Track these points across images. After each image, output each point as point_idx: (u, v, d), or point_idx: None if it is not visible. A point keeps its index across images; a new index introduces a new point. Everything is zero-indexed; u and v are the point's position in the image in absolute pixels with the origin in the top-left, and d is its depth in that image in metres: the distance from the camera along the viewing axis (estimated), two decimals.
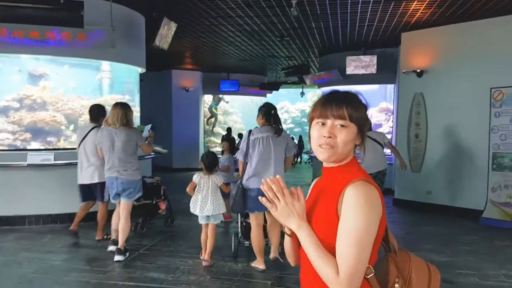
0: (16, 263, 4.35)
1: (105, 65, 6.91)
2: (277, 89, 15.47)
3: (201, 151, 14.07)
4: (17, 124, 6.20)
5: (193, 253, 4.82)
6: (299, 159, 17.85)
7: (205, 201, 4.31)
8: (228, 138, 13.35)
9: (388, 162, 9.22)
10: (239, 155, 4.30)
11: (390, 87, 10.12)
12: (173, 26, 6.54)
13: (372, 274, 1.23)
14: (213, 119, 15.32)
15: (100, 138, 4.56)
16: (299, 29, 7.82)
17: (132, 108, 7.31)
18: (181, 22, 7.11)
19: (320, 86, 11.25)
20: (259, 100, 16.53)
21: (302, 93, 16.49)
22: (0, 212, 5.76)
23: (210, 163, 4.41)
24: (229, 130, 13.90)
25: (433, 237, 5.82)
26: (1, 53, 5.87)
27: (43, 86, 6.47)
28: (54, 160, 5.82)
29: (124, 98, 7.19)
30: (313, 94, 20.06)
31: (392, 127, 9.83)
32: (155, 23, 6.29)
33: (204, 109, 14.85)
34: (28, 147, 6.16)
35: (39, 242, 5.10)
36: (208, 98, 15.24)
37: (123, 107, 4.57)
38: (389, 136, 9.93)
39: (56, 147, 6.29)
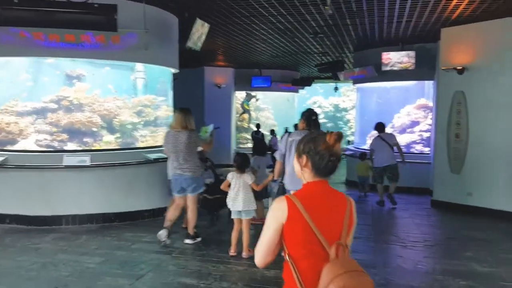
0: (52, 265, 4.44)
1: (139, 65, 6.97)
2: (309, 85, 15.25)
3: (233, 147, 14.11)
4: (55, 125, 6.34)
5: (224, 258, 4.79)
6: None
7: (236, 197, 4.74)
8: (256, 134, 13.36)
9: (427, 161, 9.04)
10: (277, 156, 4.60)
11: (428, 83, 9.73)
12: (206, 26, 6.49)
13: (287, 261, 1.69)
14: (246, 115, 15.26)
15: (166, 139, 5.07)
16: (333, 26, 7.61)
17: (165, 107, 7.48)
18: (214, 21, 7.06)
19: (355, 82, 10.98)
20: (291, 96, 16.38)
21: (336, 88, 16.18)
22: (39, 212, 5.91)
23: (241, 164, 4.84)
24: (258, 126, 13.84)
25: (474, 243, 5.56)
26: (38, 56, 6.01)
27: (79, 87, 6.58)
28: (91, 162, 5.91)
29: (158, 98, 7.27)
30: (348, 88, 19.67)
31: (431, 125, 9.47)
32: (188, 23, 6.26)
33: (235, 105, 14.84)
34: (65, 148, 6.29)
35: (74, 243, 5.20)
36: (240, 95, 15.21)
37: (183, 113, 5.07)
38: (427, 135, 9.61)
39: (92, 148, 6.40)
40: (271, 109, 16.66)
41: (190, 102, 12.84)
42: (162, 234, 5.03)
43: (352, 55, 11.09)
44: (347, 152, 10.96)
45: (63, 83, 6.54)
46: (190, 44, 6.27)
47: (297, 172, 1.84)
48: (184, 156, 4.96)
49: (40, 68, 6.43)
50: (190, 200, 5.11)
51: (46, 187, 5.94)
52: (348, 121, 20.71)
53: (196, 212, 5.20)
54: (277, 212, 1.68)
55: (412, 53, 8.80)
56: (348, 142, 17.46)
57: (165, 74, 7.41)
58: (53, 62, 6.41)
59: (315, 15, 6.76)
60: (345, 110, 21.01)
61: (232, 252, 4.87)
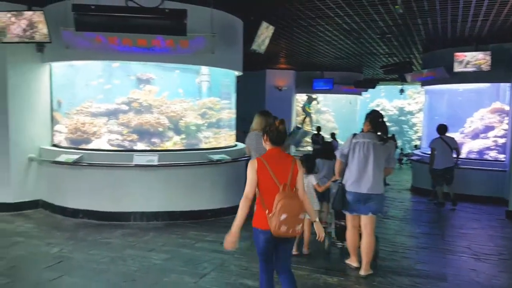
0: (121, 260, 4.65)
1: (204, 69, 7.13)
2: (373, 87, 14.76)
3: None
4: (125, 126, 6.65)
5: None
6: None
7: None
8: (316, 138, 13.14)
9: (502, 169, 8.41)
10: (337, 154, 4.56)
11: (504, 86, 9.05)
12: (271, 29, 6.50)
13: (258, 194, 3.04)
14: (307, 119, 15.13)
15: (249, 140, 5.44)
16: (402, 26, 7.32)
17: (229, 110, 7.60)
18: (278, 24, 7.06)
19: (423, 84, 10.48)
20: (354, 99, 16.00)
21: (402, 91, 15.53)
22: (109, 208, 6.23)
23: (307, 165, 4.99)
24: (318, 129, 13.62)
25: None
26: (112, 60, 6.34)
27: (149, 90, 6.85)
28: (158, 161, 6.13)
29: (222, 100, 7.40)
30: (414, 91, 18.86)
31: (506, 130, 8.80)
32: (253, 27, 6.30)
33: (296, 108, 14.76)
34: (135, 148, 6.58)
35: (142, 240, 5.41)
36: (300, 97, 15.10)
37: (264, 115, 5.43)
38: (502, 141, 8.93)
39: (159, 148, 6.63)
40: (332, 112, 16.38)
41: (251, 104, 12.96)
42: None
43: (420, 55, 10.61)
44: (413, 158, 10.48)
45: (134, 86, 6.83)
46: (254, 46, 6.31)
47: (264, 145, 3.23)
48: None
49: (112, 71, 6.77)
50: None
51: (116, 184, 6.24)
52: (414, 124, 19.87)
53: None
54: (253, 165, 3.01)
55: (487, 53, 8.23)
56: (415, 147, 16.72)
57: (229, 76, 7.52)
58: (125, 66, 6.72)
59: (383, 15, 6.54)
60: (411, 113, 20.18)
61: (294, 251, 4.85)
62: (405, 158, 15.31)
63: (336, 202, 4.54)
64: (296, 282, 3.23)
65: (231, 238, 3.08)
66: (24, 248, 4.93)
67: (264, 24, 6.22)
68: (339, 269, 4.59)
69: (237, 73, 7.48)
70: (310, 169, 5.05)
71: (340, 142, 11.34)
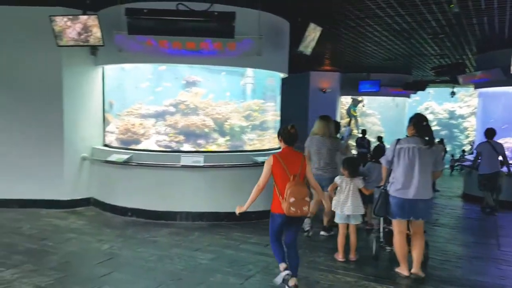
0: (168, 258, 4.73)
1: (249, 71, 7.12)
2: (423, 89, 14.25)
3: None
4: (173, 127, 6.78)
5: (332, 266, 4.65)
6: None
7: (345, 201, 4.83)
8: (362, 141, 12.84)
9: None
10: (383, 161, 4.51)
11: None
12: (318, 30, 6.42)
13: (274, 188, 3.81)
14: (353, 122, 14.83)
15: (309, 143, 5.72)
16: (456, 26, 7.00)
17: (273, 112, 7.57)
18: (325, 25, 6.95)
19: (477, 86, 9.98)
20: (401, 101, 15.52)
21: (453, 93, 14.90)
22: (157, 207, 6.37)
23: (352, 168, 4.92)
24: (364, 132, 13.32)
25: None
26: (162, 63, 6.49)
27: (196, 92, 6.96)
28: (204, 162, 6.21)
29: (266, 103, 7.39)
30: (466, 93, 18.05)
31: None
32: (300, 28, 6.25)
33: (340, 111, 14.51)
34: (181, 149, 6.69)
35: (188, 239, 5.49)
36: (344, 99, 14.84)
37: (326, 120, 5.72)
38: None
39: (204, 149, 6.71)
40: (378, 115, 15.98)
41: (295, 106, 12.94)
42: (306, 222, 5.59)
43: (474, 56, 10.12)
44: (465, 163, 10.01)
45: (181, 88, 6.96)
46: (301, 48, 6.26)
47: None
48: (325, 160, 5.60)
49: (161, 74, 6.92)
50: (326, 196, 5.31)
51: (163, 184, 6.38)
52: (465, 129, 19.01)
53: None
54: (269, 161, 3.79)
55: None
56: (463, 152, 15.99)
57: (274, 78, 7.49)
58: (173, 69, 6.86)
59: (436, 14, 6.29)
60: (462, 117, 19.33)
61: (340, 257, 4.85)
62: (457, 164, 14.63)
63: (378, 208, 4.52)
64: (299, 258, 4.06)
65: (240, 209, 4.02)
66: (76, 244, 5.13)
67: (312, 25, 6.15)
68: (388, 277, 4.44)
69: (282, 75, 7.44)
70: (352, 172, 4.92)
71: (387, 146, 11.02)
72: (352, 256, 4.90)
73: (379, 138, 13.03)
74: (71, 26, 5.99)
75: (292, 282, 3.79)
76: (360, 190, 4.94)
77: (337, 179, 4.95)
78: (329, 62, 12.22)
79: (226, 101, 7.07)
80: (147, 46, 5.87)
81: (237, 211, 4.00)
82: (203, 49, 5.93)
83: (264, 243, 5.34)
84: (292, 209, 3.62)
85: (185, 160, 6.20)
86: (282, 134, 3.91)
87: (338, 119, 14.12)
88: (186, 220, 6.33)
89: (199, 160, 6.21)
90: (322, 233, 5.86)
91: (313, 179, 3.96)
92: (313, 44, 6.74)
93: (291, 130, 3.87)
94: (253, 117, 7.30)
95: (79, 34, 6.05)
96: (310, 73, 13.43)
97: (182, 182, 6.37)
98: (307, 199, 3.68)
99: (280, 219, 3.79)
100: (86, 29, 5.99)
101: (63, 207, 6.85)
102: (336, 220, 4.99)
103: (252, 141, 7.25)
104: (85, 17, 5.94)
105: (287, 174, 3.71)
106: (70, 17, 5.95)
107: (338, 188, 4.91)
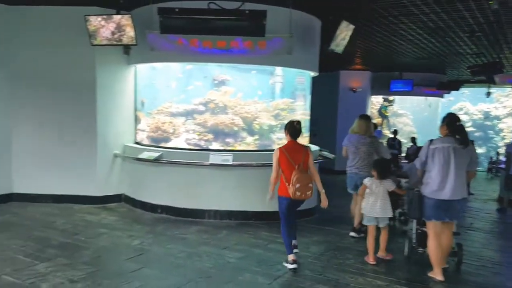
0: (197, 256, 4.75)
1: (278, 69, 7.08)
2: (457, 89, 13.82)
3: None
4: (202, 126, 6.82)
5: (363, 269, 4.56)
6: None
7: (374, 204, 4.74)
8: (393, 142, 12.55)
9: None
10: (416, 163, 4.45)
11: None
12: (351, 28, 6.31)
13: (281, 175, 4.41)
14: (384, 122, 14.52)
15: (348, 142, 5.77)
16: (495, 23, 6.74)
17: (302, 111, 7.51)
18: (357, 23, 6.83)
19: None
20: (434, 101, 15.09)
21: (489, 93, 14.36)
22: (186, 205, 6.43)
23: (382, 170, 4.81)
24: (395, 133, 13.02)
25: None
26: (193, 62, 6.54)
27: (225, 91, 6.97)
28: (233, 161, 6.21)
29: (295, 102, 7.32)
30: (502, 94, 17.39)
31: None
32: (331, 26, 6.16)
33: (371, 111, 14.25)
34: (210, 147, 6.72)
35: (216, 237, 5.51)
36: (375, 99, 14.55)
37: (366, 120, 5.77)
38: None
39: (233, 148, 6.71)
40: (410, 115, 15.60)
41: (324, 106, 12.77)
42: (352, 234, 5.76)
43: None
44: (501, 166, 9.63)
45: (210, 87, 6.99)
46: (333, 46, 6.17)
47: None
48: (363, 159, 5.59)
49: (191, 73, 6.98)
50: (359, 197, 5.50)
51: (192, 182, 6.43)
52: (501, 130, 18.33)
53: None
54: (276, 154, 4.37)
55: None
56: (497, 154, 15.41)
57: (304, 77, 7.43)
58: (202, 68, 6.90)
59: (474, 11, 6.06)
60: (498, 118, 18.63)
61: (371, 260, 4.75)
62: (492, 167, 14.10)
63: (412, 211, 4.52)
64: (297, 229, 4.88)
65: (270, 196, 4.57)
66: (108, 240, 5.23)
67: (344, 23, 6.05)
68: (421, 281, 4.32)
69: (312, 73, 7.36)
70: (382, 174, 4.79)
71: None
72: (382, 254, 4.84)
73: (413, 139, 12.73)
74: (105, 26, 6.11)
75: (293, 241, 4.64)
76: (390, 192, 4.82)
77: (367, 181, 4.84)
78: (360, 61, 12.00)
79: (255, 100, 7.05)
80: (178, 45, 5.92)
81: (269, 198, 4.57)
82: (233, 48, 5.93)
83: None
84: (298, 193, 4.26)
85: (214, 159, 6.22)
86: (289, 128, 4.49)
87: None
88: (215, 218, 6.36)
89: (228, 158, 6.23)
90: (351, 234, 5.80)
91: (314, 169, 4.54)
92: (344, 42, 6.63)
93: (297, 126, 4.47)
94: (282, 116, 7.25)
95: (113, 33, 6.16)
96: (340, 72, 13.21)
97: (211, 181, 6.40)
98: (310, 185, 4.30)
99: (286, 201, 4.46)
100: (119, 28, 6.10)
101: (95, 202, 7.01)
102: (365, 222, 4.93)
103: (281, 140, 7.20)
104: (118, 16, 6.04)
105: (292, 163, 4.31)
106: (104, 16, 6.07)
107: (367, 190, 4.83)
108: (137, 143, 7.35)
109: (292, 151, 4.38)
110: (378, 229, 4.91)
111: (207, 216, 6.37)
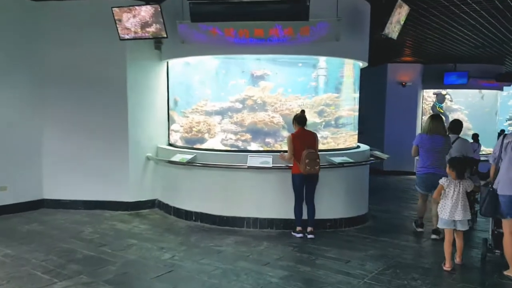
0: (234, 274, 4.13)
1: (322, 62, 6.40)
2: None
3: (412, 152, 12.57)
4: (239, 125, 6.24)
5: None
6: None
7: (455, 206, 4.36)
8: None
9: None
10: (490, 158, 4.38)
11: None
12: (406, 10, 5.51)
13: (293, 158, 5.36)
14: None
15: (421, 141, 5.64)
16: None
17: (351, 107, 6.76)
18: (411, 6, 6.00)
19: None
20: (492, 94, 13.77)
21: None
22: (222, 212, 5.85)
23: (460, 169, 4.43)
24: (475, 137, 11.86)
25: None
26: (229, 54, 5.94)
27: (263, 86, 6.35)
28: (273, 163, 5.57)
29: (341, 97, 6.60)
30: None
31: None
32: (384, 9, 5.39)
33: (422, 106, 13.19)
34: (248, 148, 6.13)
35: (256, 250, 4.87)
36: (426, 94, 13.45)
37: (440, 119, 5.77)
38: None
39: (273, 148, 6.08)
40: (465, 110, 14.33)
41: (370, 102, 11.91)
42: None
43: None
44: None
45: (248, 82, 6.40)
46: (387, 31, 5.38)
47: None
48: (439, 158, 5.49)
49: (227, 68, 6.41)
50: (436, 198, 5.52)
51: (229, 187, 5.84)
52: None
53: None
54: (289, 138, 5.37)
55: None
56: None
57: (353, 69, 6.68)
58: (240, 62, 6.32)
59: None
60: None
61: (447, 267, 4.37)
62: None
63: (485, 209, 4.32)
64: (315, 210, 5.48)
65: (283, 159, 5.48)
66: (136, 252, 4.72)
67: (399, 2, 5.26)
68: (496, 284, 3.86)
69: (361, 64, 6.60)
70: (461, 173, 4.40)
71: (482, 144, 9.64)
72: (458, 259, 4.52)
73: (474, 136, 11.59)
74: (133, 18, 5.65)
75: (309, 229, 5.41)
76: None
77: (443, 181, 4.44)
78: (410, 52, 11.04)
79: (296, 95, 6.39)
80: (212, 35, 5.36)
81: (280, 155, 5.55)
82: (273, 36, 5.29)
83: (345, 259, 4.58)
84: (308, 167, 5.13)
85: (253, 161, 5.60)
86: (296, 118, 5.46)
87: (419, 115, 12.86)
88: (254, 227, 5.74)
89: (268, 160, 5.58)
90: (433, 236, 5.46)
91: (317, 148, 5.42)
92: (399, 27, 5.83)
93: (302, 114, 5.47)
94: (327, 113, 6.56)
95: (142, 26, 5.71)
96: (388, 65, 12.31)
97: (249, 185, 5.79)
98: (318, 160, 5.22)
99: (299, 177, 5.31)
100: (148, 20, 5.63)
101: (127, 209, 6.58)
102: (441, 225, 4.51)
103: (326, 140, 6.50)
104: (147, 7, 5.57)
105: (302, 146, 5.20)
106: (132, 7, 5.60)
107: (444, 191, 4.45)
108: (170, 144, 6.87)
109: (303, 136, 5.32)
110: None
111: (246, 225, 5.75)
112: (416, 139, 5.76)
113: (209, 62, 6.40)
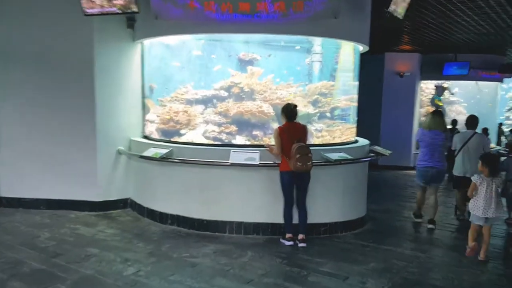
0: None
1: (317, 46, 5.70)
2: None
3: (414, 146, 12.00)
4: (223, 116, 5.51)
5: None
6: None
7: (488, 204, 4.35)
8: (451, 133, 10.80)
9: None
10: None
11: None
12: None
13: (281, 153, 4.62)
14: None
15: (421, 136, 5.81)
16: None
17: (349, 97, 6.06)
18: None
19: None
20: (492, 87, 13.16)
21: None
22: (201, 215, 5.12)
23: (494, 166, 4.39)
24: (454, 123, 11.24)
25: None
26: (209, 32, 5.16)
27: (252, 72, 5.62)
28: (260, 160, 4.84)
29: (338, 85, 5.88)
30: None
31: None
32: None
33: (420, 98, 12.55)
34: (233, 141, 5.40)
35: (238, 263, 4.15)
36: (424, 85, 12.80)
37: (441, 116, 5.86)
38: None
39: (262, 142, 5.36)
40: (464, 102, 13.73)
41: (366, 93, 11.12)
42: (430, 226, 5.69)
43: None
44: None
45: (235, 68, 5.66)
46: (393, 7, 4.66)
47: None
48: (439, 153, 5.66)
49: (212, 51, 5.65)
50: (436, 190, 5.80)
51: (210, 186, 5.11)
52: None
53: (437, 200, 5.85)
54: (276, 132, 4.60)
55: None
56: None
57: (350, 54, 5.96)
58: (225, 44, 5.58)
59: None
60: None
61: (472, 246, 4.48)
62: None
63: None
64: (307, 214, 4.73)
65: (271, 151, 4.77)
66: (95, 265, 3.96)
67: None
68: None
69: (361, 48, 5.88)
70: (493, 171, 4.37)
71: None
72: (483, 257, 4.42)
73: (484, 130, 10.99)
74: None
75: (300, 236, 4.70)
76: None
77: (476, 179, 4.42)
78: (408, 40, 10.34)
79: (288, 83, 5.69)
80: (189, 10, 4.60)
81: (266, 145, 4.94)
82: (261, 12, 4.54)
83: (343, 274, 3.89)
84: (299, 163, 4.42)
85: (236, 157, 4.86)
86: (286, 111, 4.71)
87: (417, 108, 12.23)
88: (237, 232, 5.02)
89: (254, 157, 4.85)
90: (429, 226, 5.67)
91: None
92: (405, 4, 5.11)
93: (294, 109, 4.68)
94: (322, 103, 5.86)
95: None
96: (385, 54, 11.61)
97: (233, 184, 5.06)
98: (310, 155, 4.51)
99: (288, 175, 4.59)
100: None
101: (95, 209, 5.83)
102: (473, 220, 4.51)
103: (321, 133, 5.80)
104: None
105: (291, 140, 4.54)
106: None
107: (479, 189, 4.39)
108: (145, 137, 6.10)
109: (291, 130, 4.62)
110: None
111: (228, 230, 5.03)
112: (417, 134, 6.05)
113: (190, 44, 5.65)
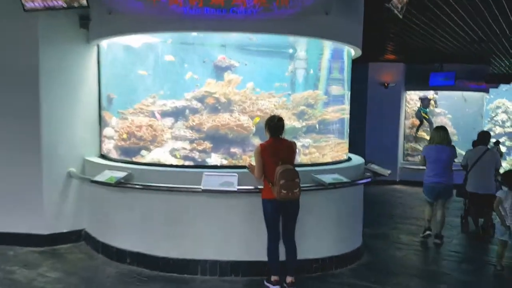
0: None
1: (300, 52, 5.10)
2: (508, 83, 11.57)
3: (400, 160, 11.44)
4: (196, 130, 4.69)
5: None
6: None
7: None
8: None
9: None
10: None
11: None
12: None
13: (263, 177, 3.77)
14: (423, 125, 12.05)
15: (428, 152, 5.78)
16: None
17: (340, 107, 5.34)
18: None
19: None
20: (476, 98, 12.78)
21: None
22: (166, 253, 4.21)
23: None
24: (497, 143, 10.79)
25: None
26: (175, 30, 4.27)
27: (229, 79, 4.85)
28: (239, 185, 4.00)
29: (327, 95, 5.20)
30: None
31: None
32: None
33: (405, 108, 12.05)
34: (208, 161, 4.57)
35: None
36: (409, 96, 12.32)
37: (445, 131, 5.81)
38: None
39: (241, 162, 4.54)
40: (448, 114, 13.32)
41: (350, 103, 10.62)
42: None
43: None
44: None
45: (209, 75, 4.87)
46: (393, 3, 3.95)
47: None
48: (446, 168, 5.62)
49: (183, 55, 4.86)
50: (444, 206, 5.78)
51: (178, 218, 4.22)
52: None
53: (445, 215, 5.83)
54: (257, 149, 3.79)
55: None
56: None
57: (340, 60, 5.27)
58: (198, 48, 4.86)
59: None
60: None
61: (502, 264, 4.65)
62: None
63: None
64: (296, 251, 3.90)
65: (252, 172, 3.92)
66: None
67: None
68: None
69: (353, 52, 5.18)
70: None
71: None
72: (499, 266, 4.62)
73: (497, 143, 10.49)
74: None
75: (288, 279, 3.86)
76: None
77: (501, 194, 4.58)
78: (393, 49, 9.84)
79: (270, 92, 4.97)
80: (151, 3, 3.75)
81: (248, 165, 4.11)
82: (238, 6, 3.77)
83: None
84: (283, 191, 3.59)
85: (210, 182, 4.00)
86: (269, 125, 3.87)
87: (402, 119, 11.70)
88: (212, 274, 4.12)
89: (232, 181, 4.01)
90: (435, 240, 5.63)
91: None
92: (404, 1, 4.43)
93: (278, 122, 3.86)
94: (308, 115, 5.17)
95: None
96: (369, 64, 11.10)
97: (206, 215, 4.19)
98: (297, 180, 3.67)
99: (271, 204, 3.77)
100: None
101: (42, 243, 4.86)
102: (500, 236, 4.67)
103: (308, 150, 5.06)
104: None
105: (274, 160, 3.72)
106: None
107: (504, 203, 4.53)
108: (102, 155, 5.18)
109: (275, 148, 3.80)
110: None
111: (201, 271, 4.12)
112: (423, 150, 6.03)
113: (157, 48, 4.85)
